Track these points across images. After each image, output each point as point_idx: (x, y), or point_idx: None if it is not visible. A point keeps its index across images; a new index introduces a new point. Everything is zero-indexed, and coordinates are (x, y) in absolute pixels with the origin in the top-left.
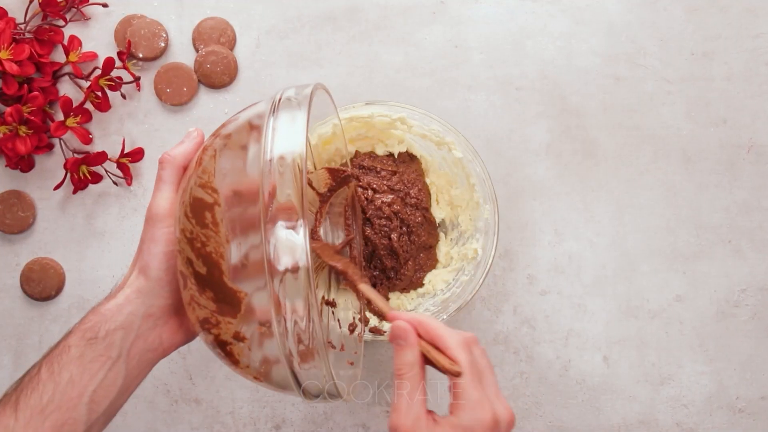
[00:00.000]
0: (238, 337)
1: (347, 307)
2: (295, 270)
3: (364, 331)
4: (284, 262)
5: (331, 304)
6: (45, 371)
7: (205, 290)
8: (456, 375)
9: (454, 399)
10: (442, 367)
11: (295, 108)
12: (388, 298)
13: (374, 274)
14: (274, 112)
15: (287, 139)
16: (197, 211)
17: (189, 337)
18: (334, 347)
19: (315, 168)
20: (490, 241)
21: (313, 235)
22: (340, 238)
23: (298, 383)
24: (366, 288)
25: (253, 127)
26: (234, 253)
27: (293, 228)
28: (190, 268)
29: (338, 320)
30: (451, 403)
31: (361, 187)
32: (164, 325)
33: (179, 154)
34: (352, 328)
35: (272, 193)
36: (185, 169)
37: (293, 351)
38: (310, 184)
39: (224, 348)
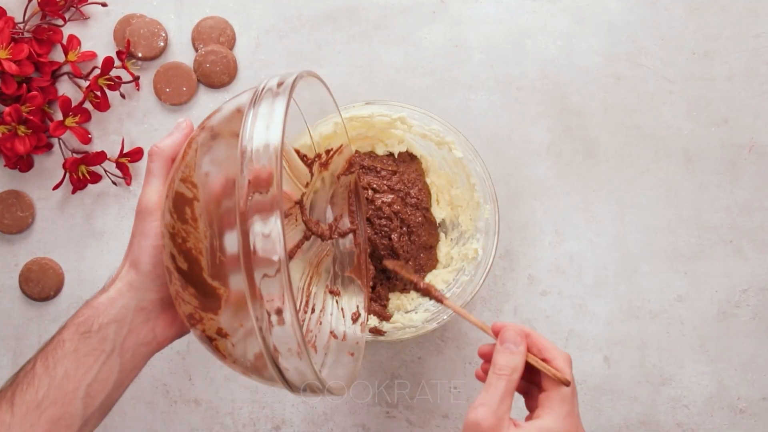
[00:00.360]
0: (221, 333)
1: (351, 296)
2: (272, 265)
3: (368, 320)
4: (261, 258)
5: (335, 293)
6: (40, 366)
7: (188, 286)
8: (565, 384)
9: (546, 405)
10: (552, 374)
11: (275, 97)
12: (388, 299)
13: (374, 274)
14: (254, 102)
15: (265, 129)
16: (178, 205)
17: (183, 330)
18: (336, 337)
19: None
20: (491, 241)
21: (308, 225)
22: (345, 226)
23: (285, 379)
24: (454, 306)
25: (234, 119)
26: (212, 248)
27: (270, 221)
28: (174, 263)
29: (342, 309)
30: (537, 410)
31: (361, 186)
32: (157, 319)
33: (167, 146)
34: (355, 317)
35: (249, 186)
36: (174, 160)
37: (277, 347)
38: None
39: (211, 343)
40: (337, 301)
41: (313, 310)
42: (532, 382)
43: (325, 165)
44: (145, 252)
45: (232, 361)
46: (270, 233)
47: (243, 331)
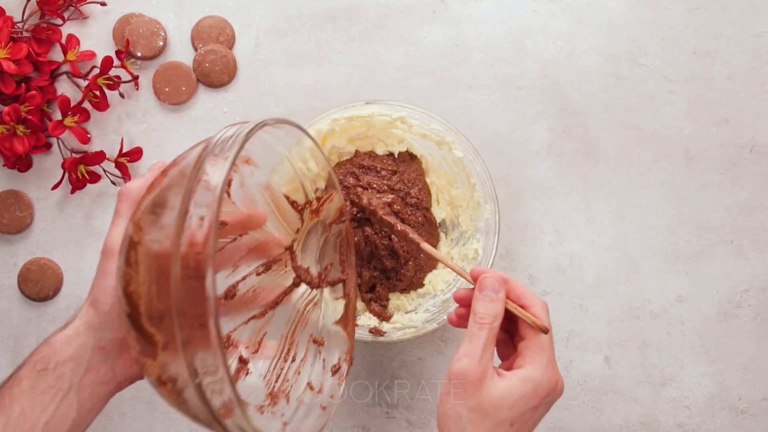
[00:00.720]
0: (161, 381)
1: (335, 347)
2: (204, 325)
3: (347, 373)
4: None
5: (319, 342)
6: None
7: (131, 329)
8: (544, 331)
9: (527, 354)
10: (531, 321)
11: (221, 156)
12: (388, 299)
13: (374, 274)
14: (200, 162)
15: (206, 191)
16: (126, 248)
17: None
18: (312, 388)
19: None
20: (491, 242)
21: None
22: (336, 276)
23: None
24: (431, 250)
25: (183, 174)
26: (149, 295)
27: (203, 279)
28: (122, 305)
29: (323, 360)
30: (517, 360)
31: (360, 186)
32: (117, 359)
33: (136, 187)
34: (335, 369)
35: (189, 245)
36: None
37: (212, 405)
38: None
39: (156, 388)
40: (319, 351)
41: (293, 359)
42: (506, 331)
43: (316, 212)
44: (105, 292)
45: (176, 409)
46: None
47: (180, 381)
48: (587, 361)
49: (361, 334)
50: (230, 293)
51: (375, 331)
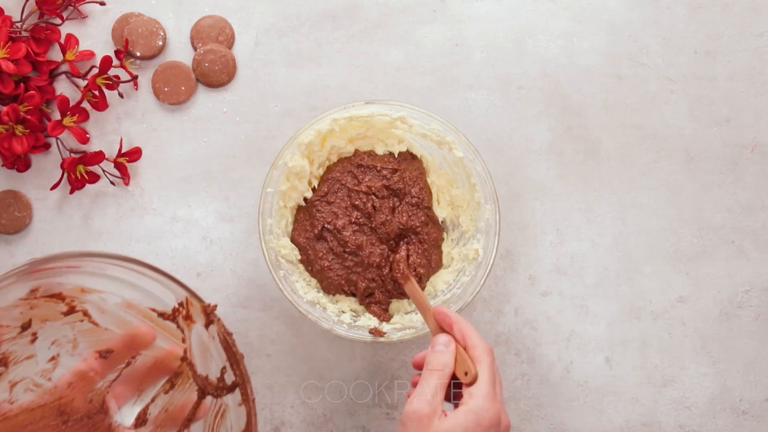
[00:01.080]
0: None
1: None
2: None
3: None
4: None
5: None
6: None
7: None
8: (472, 380)
9: (471, 391)
10: (466, 367)
11: None
12: (389, 302)
13: (371, 285)
14: None
15: None
16: None
17: None
18: None
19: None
20: (491, 242)
21: None
22: (231, 378)
23: None
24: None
25: None
26: None
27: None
28: None
29: None
30: (463, 398)
31: (363, 192)
32: None
33: None
34: None
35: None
36: None
37: None
38: None
39: None
40: None
41: None
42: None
43: (187, 317)
44: None
45: None
46: None
47: None
48: (588, 361)
49: (361, 334)
50: (141, 419)
51: (375, 332)
